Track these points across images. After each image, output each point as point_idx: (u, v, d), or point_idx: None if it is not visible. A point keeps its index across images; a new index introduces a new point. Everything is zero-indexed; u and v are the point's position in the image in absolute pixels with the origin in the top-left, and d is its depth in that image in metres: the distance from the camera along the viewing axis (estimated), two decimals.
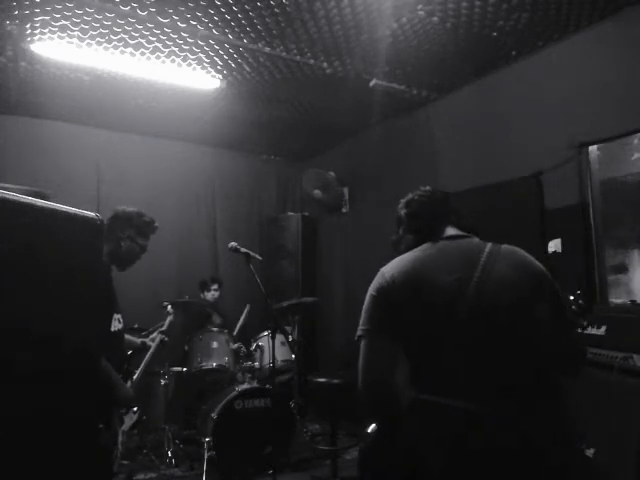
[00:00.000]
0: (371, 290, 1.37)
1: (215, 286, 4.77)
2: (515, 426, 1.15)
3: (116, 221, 2.29)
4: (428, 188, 1.59)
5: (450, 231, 1.46)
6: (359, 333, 1.35)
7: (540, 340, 1.25)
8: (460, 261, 1.33)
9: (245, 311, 4.78)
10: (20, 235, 1.27)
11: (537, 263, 1.36)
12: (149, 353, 2.99)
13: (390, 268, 1.38)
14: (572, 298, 1.76)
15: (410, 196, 1.59)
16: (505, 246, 1.37)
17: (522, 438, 1.15)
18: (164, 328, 3.35)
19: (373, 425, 1.37)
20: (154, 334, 3.26)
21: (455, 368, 1.21)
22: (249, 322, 4.77)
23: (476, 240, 1.43)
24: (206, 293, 4.76)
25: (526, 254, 1.38)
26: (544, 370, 1.26)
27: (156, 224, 2.44)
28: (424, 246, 1.42)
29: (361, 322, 1.36)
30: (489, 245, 1.36)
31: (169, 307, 3.64)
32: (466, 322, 1.22)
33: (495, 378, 1.20)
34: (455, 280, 1.27)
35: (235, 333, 4.47)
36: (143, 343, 3.06)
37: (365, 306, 1.37)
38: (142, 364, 2.84)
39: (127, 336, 2.65)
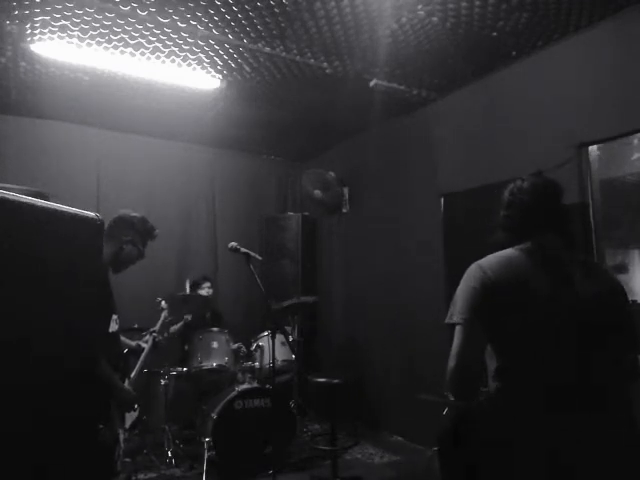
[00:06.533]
0: (471, 282, 1.39)
1: (207, 284, 4.70)
2: (600, 420, 1.26)
3: (120, 223, 2.29)
4: (541, 178, 1.47)
5: (551, 239, 1.43)
6: (457, 320, 1.37)
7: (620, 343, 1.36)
8: (556, 273, 1.38)
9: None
10: (20, 235, 1.27)
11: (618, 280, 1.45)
12: (143, 354, 3.02)
13: (489, 264, 1.39)
14: None
15: (519, 183, 1.48)
16: (594, 262, 1.49)
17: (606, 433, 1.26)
18: (156, 327, 3.36)
19: (447, 410, 1.47)
20: (147, 336, 3.28)
21: (546, 364, 1.29)
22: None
23: (569, 253, 1.44)
24: (199, 291, 4.68)
25: (609, 271, 1.49)
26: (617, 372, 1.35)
27: (157, 231, 2.44)
28: (521, 249, 1.42)
29: (459, 309, 1.38)
30: (581, 258, 1.44)
31: (162, 303, 3.63)
32: (563, 326, 1.31)
33: (581, 376, 1.29)
34: (555, 290, 1.34)
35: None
36: (138, 345, 3.08)
37: (464, 295, 1.39)
38: (137, 365, 2.87)
39: (122, 338, 2.66)
